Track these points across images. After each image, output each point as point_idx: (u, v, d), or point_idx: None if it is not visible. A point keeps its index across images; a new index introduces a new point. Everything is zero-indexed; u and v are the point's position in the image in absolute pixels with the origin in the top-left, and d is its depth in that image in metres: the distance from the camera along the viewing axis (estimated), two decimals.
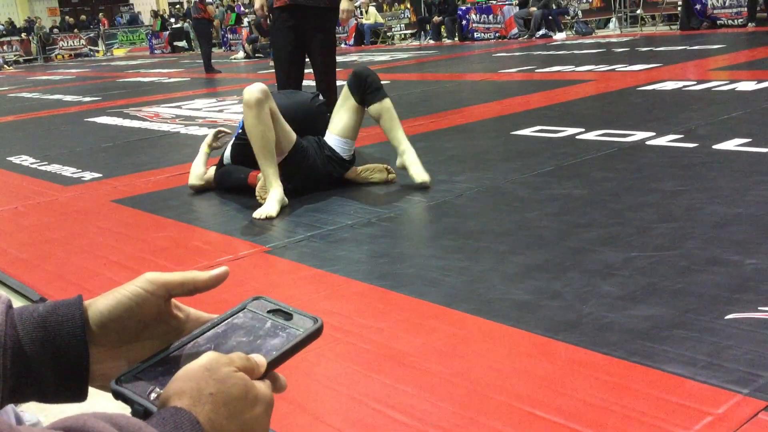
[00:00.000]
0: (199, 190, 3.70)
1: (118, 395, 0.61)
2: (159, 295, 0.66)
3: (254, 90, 3.13)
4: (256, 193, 3.27)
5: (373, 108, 3.46)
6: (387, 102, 3.47)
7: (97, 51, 26.72)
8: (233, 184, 3.55)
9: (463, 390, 1.58)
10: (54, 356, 0.62)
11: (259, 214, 3.10)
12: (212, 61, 12.79)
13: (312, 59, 4.57)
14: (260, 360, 0.61)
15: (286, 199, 3.22)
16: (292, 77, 4.52)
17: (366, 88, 3.45)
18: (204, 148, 3.87)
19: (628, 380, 1.55)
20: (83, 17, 29.07)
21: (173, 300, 0.68)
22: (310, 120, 3.59)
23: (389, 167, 3.54)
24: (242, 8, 22.36)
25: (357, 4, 19.90)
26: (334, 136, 3.52)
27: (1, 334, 0.60)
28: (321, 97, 3.82)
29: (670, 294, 1.94)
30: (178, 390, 0.57)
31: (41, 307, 0.64)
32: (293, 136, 3.36)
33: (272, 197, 3.15)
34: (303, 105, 3.62)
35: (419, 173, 3.37)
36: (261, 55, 13.32)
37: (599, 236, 2.46)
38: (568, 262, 2.25)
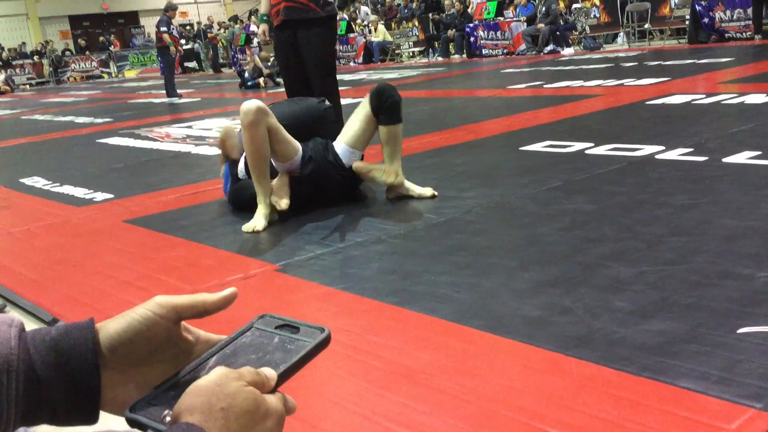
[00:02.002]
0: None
1: (133, 423, 0.61)
2: (169, 318, 0.66)
3: (249, 109, 3.19)
4: (272, 201, 3.33)
5: (383, 129, 3.49)
6: (399, 128, 3.51)
7: (108, 73, 26.96)
8: (249, 199, 3.50)
9: (475, 407, 1.58)
10: (66, 379, 0.62)
11: (246, 227, 3.25)
12: (221, 81, 13.04)
13: (309, 69, 4.68)
14: (270, 373, 0.61)
15: (276, 215, 3.33)
16: (300, 91, 4.63)
17: (389, 106, 3.47)
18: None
19: (640, 396, 1.54)
20: (102, 38, 29.33)
21: (183, 322, 0.69)
22: (318, 124, 3.67)
23: (397, 171, 3.50)
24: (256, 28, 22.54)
25: (366, 22, 20.07)
26: (342, 144, 3.57)
27: (14, 358, 0.61)
28: (328, 102, 3.88)
29: (682, 308, 1.94)
30: (189, 406, 0.57)
31: (53, 331, 0.65)
32: (297, 144, 3.43)
33: (259, 212, 3.29)
34: (310, 109, 3.70)
35: (424, 189, 3.51)
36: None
37: (610, 251, 2.45)
38: (578, 277, 2.25)
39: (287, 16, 4.64)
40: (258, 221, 3.26)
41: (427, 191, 3.51)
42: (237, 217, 3.56)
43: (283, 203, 3.29)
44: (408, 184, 3.55)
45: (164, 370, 0.67)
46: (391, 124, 3.47)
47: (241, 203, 3.59)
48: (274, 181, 3.41)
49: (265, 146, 3.24)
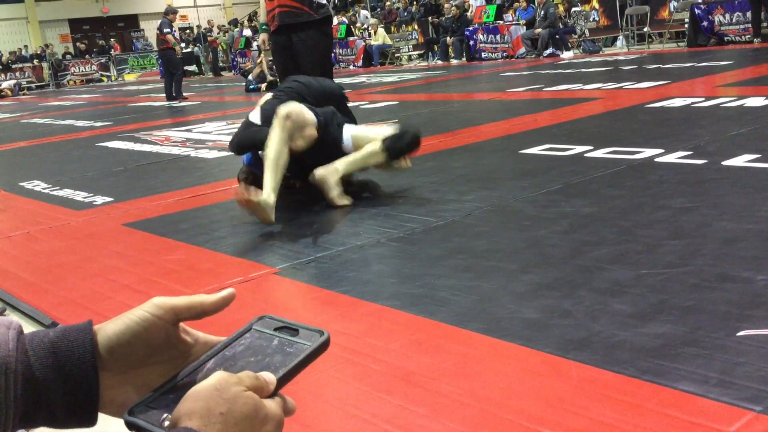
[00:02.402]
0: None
1: (131, 426, 0.61)
2: (167, 319, 0.66)
3: (290, 111, 3.35)
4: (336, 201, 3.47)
5: (386, 163, 3.61)
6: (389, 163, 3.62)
7: (107, 76, 26.98)
8: (259, 141, 3.51)
9: (474, 410, 1.58)
10: (64, 382, 0.62)
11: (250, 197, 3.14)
12: (223, 84, 13.10)
13: (305, 72, 4.68)
14: (269, 378, 0.61)
15: (272, 218, 3.26)
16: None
17: (401, 148, 3.59)
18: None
19: (640, 398, 1.54)
20: (102, 42, 29.38)
21: (181, 324, 0.69)
22: (334, 100, 3.79)
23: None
24: (251, 33, 22.58)
25: (366, 25, 20.09)
26: (348, 135, 3.64)
27: (12, 361, 0.61)
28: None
29: (681, 311, 1.93)
30: (188, 411, 0.57)
31: (52, 333, 0.65)
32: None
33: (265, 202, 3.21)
34: (336, 90, 3.88)
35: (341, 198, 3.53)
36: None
37: (609, 254, 2.45)
38: (578, 280, 2.25)
39: (281, 21, 4.70)
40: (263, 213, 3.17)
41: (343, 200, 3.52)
42: (236, 221, 3.56)
43: (347, 200, 3.50)
44: (332, 192, 3.50)
45: (163, 372, 0.67)
46: (397, 159, 3.60)
47: (248, 145, 3.62)
48: (329, 185, 3.47)
49: (285, 148, 3.34)
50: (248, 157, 3.78)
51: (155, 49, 14.77)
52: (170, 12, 13.62)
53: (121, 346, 0.65)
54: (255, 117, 3.71)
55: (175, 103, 12.68)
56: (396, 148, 3.57)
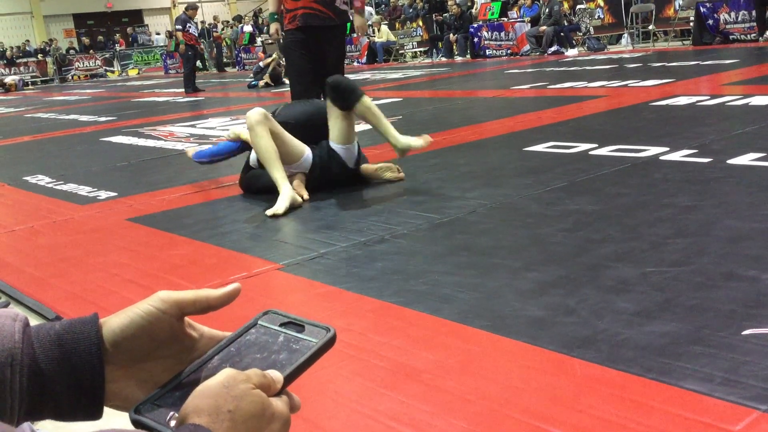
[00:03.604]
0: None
1: (138, 424, 0.61)
2: (171, 313, 0.66)
3: (254, 114, 3.60)
4: (294, 196, 3.57)
5: (357, 109, 3.73)
6: (366, 100, 3.75)
7: (112, 71, 27.00)
8: (262, 186, 3.82)
9: (478, 407, 1.58)
10: (70, 374, 0.62)
11: (269, 212, 3.43)
12: (227, 80, 13.28)
13: (328, 70, 4.74)
14: (276, 376, 0.61)
15: (298, 198, 3.55)
16: (312, 92, 4.73)
17: (343, 94, 3.71)
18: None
19: (645, 397, 1.53)
20: (101, 38, 29.41)
21: (186, 318, 0.68)
22: (319, 118, 3.90)
23: (398, 167, 3.92)
24: (254, 29, 22.58)
25: (369, 22, 20.04)
26: (336, 145, 3.80)
27: (17, 352, 0.61)
28: None
29: (686, 310, 1.93)
30: (196, 407, 0.57)
31: (58, 325, 0.64)
32: (303, 146, 3.77)
33: (283, 197, 3.48)
34: (321, 110, 3.93)
35: (414, 139, 3.76)
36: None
37: (614, 252, 2.44)
38: (582, 278, 2.24)
39: (305, 23, 4.79)
40: (280, 205, 3.43)
41: (416, 141, 3.77)
42: (241, 215, 3.56)
43: (305, 195, 3.65)
44: (403, 140, 3.77)
45: (167, 366, 0.67)
46: (357, 102, 3.71)
47: (254, 189, 3.92)
48: (294, 183, 3.68)
49: (270, 142, 3.60)
50: (199, 154, 4.36)
51: (160, 45, 15.10)
52: (191, 8, 13.91)
53: (126, 340, 0.65)
54: (252, 159, 3.98)
55: (179, 99, 12.76)
56: (337, 94, 3.72)
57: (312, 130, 3.84)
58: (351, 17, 5.14)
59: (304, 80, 4.83)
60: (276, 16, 5.27)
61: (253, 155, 3.93)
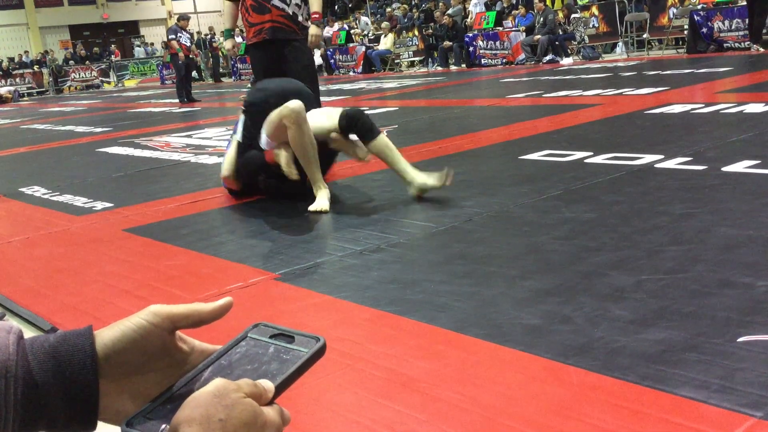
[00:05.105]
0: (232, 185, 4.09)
1: None
2: (164, 327, 0.66)
3: (298, 108, 3.50)
4: (287, 172, 3.61)
5: (373, 146, 3.69)
6: (383, 138, 3.72)
7: (108, 82, 27.01)
8: (254, 170, 3.86)
9: (474, 416, 1.57)
10: (64, 386, 0.62)
11: (314, 207, 3.56)
12: (222, 91, 13.43)
13: (294, 77, 5.03)
14: (268, 385, 0.61)
15: (328, 199, 3.62)
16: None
17: (360, 130, 3.70)
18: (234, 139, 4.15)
19: (641, 404, 1.54)
20: (96, 49, 29.44)
21: (178, 332, 0.68)
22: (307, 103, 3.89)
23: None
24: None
25: (366, 32, 20.11)
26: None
27: (12, 364, 0.61)
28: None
29: (682, 317, 1.93)
30: (187, 417, 0.57)
31: (52, 338, 0.64)
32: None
33: (322, 195, 3.62)
34: (294, 84, 4.05)
35: (431, 177, 3.62)
36: None
37: (609, 260, 2.45)
38: (578, 286, 2.25)
39: (273, 36, 5.09)
40: (323, 203, 3.57)
41: (438, 180, 3.60)
42: (236, 225, 3.56)
43: (294, 174, 3.63)
44: (421, 178, 3.65)
45: (158, 380, 0.67)
46: (375, 140, 3.68)
47: (247, 173, 3.92)
48: (282, 156, 3.64)
49: (313, 139, 3.59)
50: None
51: (158, 54, 15.44)
52: (182, 18, 14.16)
53: (117, 354, 0.64)
54: (239, 135, 3.95)
55: (175, 109, 12.81)
56: (352, 124, 3.70)
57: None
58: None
59: None
60: (232, 33, 5.62)
61: (238, 134, 3.95)
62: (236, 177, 4.03)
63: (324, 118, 3.78)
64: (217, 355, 0.67)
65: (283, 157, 3.62)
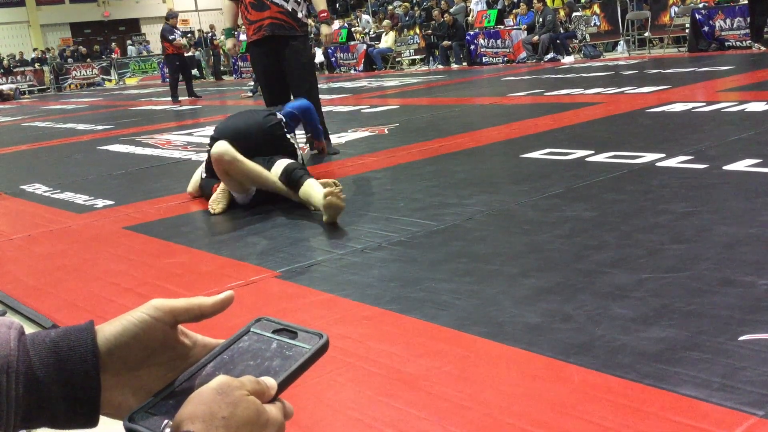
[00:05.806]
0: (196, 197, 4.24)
1: None
2: (165, 321, 0.66)
3: (224, 146, 3.63)
4: (209, 205, 3.81)
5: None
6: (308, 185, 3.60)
7: (109, 80, 27.00)
8: (206, 195, 4.02)
9: (475, 414, 1.57)
10: (66, 381, 0.62)
11: (326, 202, 3.21)
12: (223, 89, 13.35)
13: (292, 82, 5.24)
14: (270, 383, 0.61)
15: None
16: (281, 99, 5.14)
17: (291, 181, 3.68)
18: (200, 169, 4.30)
19: (642, 403, 1.53)
20: (96, 47, 29.44)
21: (179, 326, 0.68)
22: (264, 139, 3.96)
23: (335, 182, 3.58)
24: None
25: (367, 30, 20.10)
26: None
27: (13, 359, 0.61)
28: (278, 116, 4.16)
29: (683, 316, 1.93)
30: (190, 414, 0.57)
31: (53, 333, 0.64)
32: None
33: (315, 189, 3.45)
34: (255, 125, 4.02)
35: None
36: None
37: (610, 258, 2.45)
38: (579, 284, 2.25)
39: (272, 32, 5.16)
40: (319, 192, 3.32)
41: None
42: (236, 224, 3.56)
43: (219, 208, 3.76)
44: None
45: (160, 374, 0.67)
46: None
47: (206, 195, 4.04)
48: (217, 191, 3.82)
49: (248, 169, 3.64)
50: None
51: (155, 53, 15.28)
52: (172, 16, 13.86)
53: (119, 348, 0.64)
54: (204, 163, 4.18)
55: (176, 107, 12.79)
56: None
57: (248, 145, 3.80)
58: (309, 30, 5.53)
59: (272, 90, 5.35)
60: (233, 32, 5.63)
61: (202, 167, 4.17)
62: (199, 195, 4.20)
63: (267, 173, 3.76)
64: (219, 350, 0.67)
65: (217, 191, 3.82)
